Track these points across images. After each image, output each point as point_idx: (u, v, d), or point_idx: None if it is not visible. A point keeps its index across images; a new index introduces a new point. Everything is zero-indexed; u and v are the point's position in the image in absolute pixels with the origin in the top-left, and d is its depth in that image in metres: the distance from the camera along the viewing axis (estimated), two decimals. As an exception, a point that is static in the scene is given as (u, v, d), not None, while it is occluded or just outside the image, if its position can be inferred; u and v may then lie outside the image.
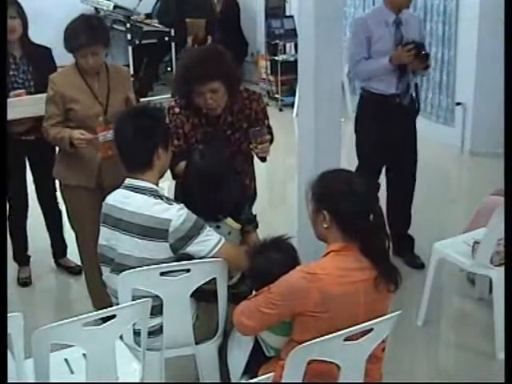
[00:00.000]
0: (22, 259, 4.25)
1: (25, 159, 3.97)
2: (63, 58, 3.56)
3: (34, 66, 3.77)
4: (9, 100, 3.46)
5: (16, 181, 3.93)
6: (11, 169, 3.62)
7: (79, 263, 3.94)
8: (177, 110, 3.16)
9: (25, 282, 4.18)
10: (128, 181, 2.71)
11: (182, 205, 2.65)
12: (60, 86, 3.35)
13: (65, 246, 4.35)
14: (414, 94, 4.16)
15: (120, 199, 2.69)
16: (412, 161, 4.23)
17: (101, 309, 2.43)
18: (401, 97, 4.06)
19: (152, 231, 2.58)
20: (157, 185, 2.71)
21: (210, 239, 2.63)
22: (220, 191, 2.76)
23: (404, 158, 4.21)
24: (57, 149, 3.68)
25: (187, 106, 3.14)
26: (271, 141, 3.26)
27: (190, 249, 2.61)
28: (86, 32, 3.25)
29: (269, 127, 3.26)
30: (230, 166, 2.92)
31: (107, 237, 2.72)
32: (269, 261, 2.51)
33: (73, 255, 4.25)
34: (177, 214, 2.58)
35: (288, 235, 2.64)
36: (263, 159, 3.27)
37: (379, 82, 4.02)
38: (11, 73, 3.71)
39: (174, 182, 3.28)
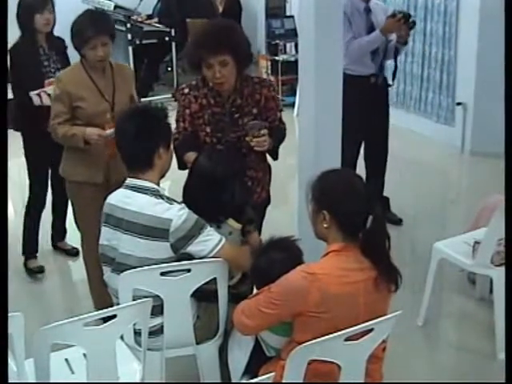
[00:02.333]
0: (32, 249, 4.30)
1: (53, 150, 3.82)
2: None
3: (59, 56, 4.00)
4: (45, 89, 3.76)
5: (42, 170, 4.14)
6: (39, 157, 4.04)
7: (75, 246, 4.21)
8: (186, 90, 3.15)
9: (39, 270, 4.24)
10: (129, 180, 2.71)
11: (182, 205, 2.65)
12: (66, 84, 3.35)
13: (64, 231, 4.51)
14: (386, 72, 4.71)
15: (122, 199, 2.69)
16: (384, 134, 4.79)
17: (101, 309, 2.43)
18: (376, 77, 4.58)
19: (154, 231, 2.58)
20: (158, 184, 2.72)
21: (210, 239, 2.63)
22: (222, 194, 2.75)
23: (378, 132, 4.77)
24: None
25: (197, 87, 3.13)
26: (283, 138, 3.23)
27: (191, 248, 2.61)
28: (93, 24, 3.29)
29: (281, 122, 3.23)
30: (237, 171, 2.90)
31: (108, 237, 2.73)
32: (272, 260, 2.51)
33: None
34: (177, 214, 2.58)
35: (295, 237, 2.64)
36: (274, 157, 3.24)
37: (357, 65, 4.47)
38: (45, 63, 3.94)
39: (174, 182, 3.27)
